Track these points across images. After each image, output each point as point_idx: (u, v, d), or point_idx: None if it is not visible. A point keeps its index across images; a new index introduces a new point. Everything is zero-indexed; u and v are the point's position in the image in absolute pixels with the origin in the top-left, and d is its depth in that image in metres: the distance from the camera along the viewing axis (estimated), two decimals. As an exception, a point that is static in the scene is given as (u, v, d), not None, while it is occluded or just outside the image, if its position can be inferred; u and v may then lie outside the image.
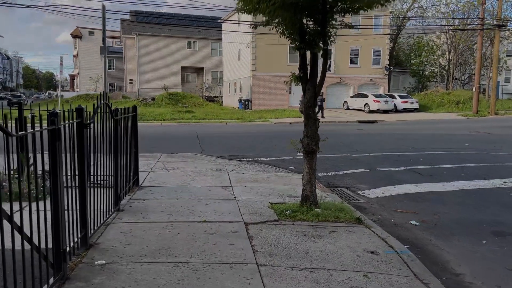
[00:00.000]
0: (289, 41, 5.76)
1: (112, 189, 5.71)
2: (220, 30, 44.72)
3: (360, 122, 27.46)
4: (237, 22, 35.44)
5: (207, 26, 51.36)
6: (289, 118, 29.03)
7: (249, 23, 33.28)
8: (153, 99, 37.86)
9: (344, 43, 36.67)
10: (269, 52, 34.75)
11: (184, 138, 16.86)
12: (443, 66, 45.73)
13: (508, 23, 33.75)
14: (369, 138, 16.84)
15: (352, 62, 38.06)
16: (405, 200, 7.54)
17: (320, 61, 5.88)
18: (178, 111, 31.04)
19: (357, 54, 38.09)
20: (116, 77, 61.99)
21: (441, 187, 8.38)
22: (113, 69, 63.10)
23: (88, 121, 4.26)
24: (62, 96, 59.99)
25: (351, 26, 5.80)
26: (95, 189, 4.77)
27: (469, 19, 41.20)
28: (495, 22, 31.75)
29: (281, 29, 5.67)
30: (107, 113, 5.42)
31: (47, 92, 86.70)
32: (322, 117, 30.83)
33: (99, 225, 4.83)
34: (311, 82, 5.75)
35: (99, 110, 4.81)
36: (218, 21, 43.25)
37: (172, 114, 29.02)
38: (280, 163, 11.30)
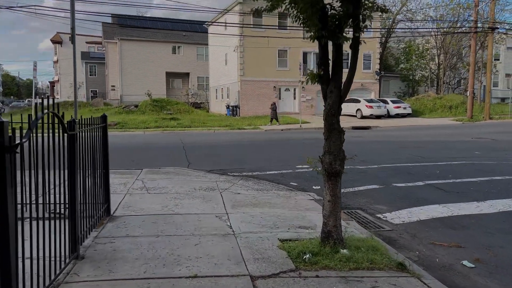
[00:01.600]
0: (304, 28, 4.34)
1: (68, 227, 4.20)
2: (206, 33, 43.28)
3: (354, 128, 26.24)
4: (224, 24, 34.15)
5: (193, 30, 49.87)
6: (279, 124, 27.66)
7: (237, 25, 32.03)
8: (136, 106, 36.10)
9: (334, 47, 35.62)
10: (258, 56, 33.44)
11: (168, 149, 15.30)
12: (433, 71, 45.12)
13: (500, 27, 33.15)
14: (371, 147, 15.54)
15: (343, 66, 36.97)
16: (440, 227, 6.16)
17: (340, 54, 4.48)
18: (163, 118, 29.39)
19: (348, 58, 37.01)
20: (98, 83, 59.95)
21: (476, 208, 7.04)
22: (95, 75, 61.10)
23: (12, 143, 2.72)
24: (40, 103, 57.62)
25: (385, 10, 4.42)
26: (41, 225, 3.26)
27: (459, 22, 40.67)
28: (487, 25, 31.06)
29: (295, 12, 4.25)
30: (59, 126, 3.91)
31: (26, 100, 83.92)
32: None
33: (41, 290, 3.30)
34: (334, 82, 4.34)
35: (39, 123, 3.29)
36: (204, 24, 41.85)
37: (156, 122, 27.37)
38: (279, 178, 9.87)
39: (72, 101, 45.87)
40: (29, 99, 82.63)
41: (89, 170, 5.12)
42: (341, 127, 4.57)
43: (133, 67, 46.82)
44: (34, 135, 3.28)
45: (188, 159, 12.62)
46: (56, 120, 3.79)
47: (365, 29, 4.24)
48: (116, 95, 49.47)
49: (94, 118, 5.46)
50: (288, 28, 33.46)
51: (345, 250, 4.46)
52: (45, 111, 3.61)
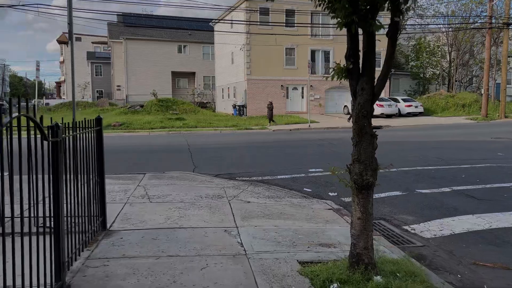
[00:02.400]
0: (329, 13, 3.64)
1: (52, 250, 3.55)
2: (212, 32, 42.67)
3: (365, 128, 25.44)
4: (230, 22, 33.49)
5: (198, 29, 49.30)
6: (287, 124, 26.97)
7: (243, 22, 31.36)
8: (142, 106, 35.55)
9: (343, 44, 34.76)
10: (265, 55, 32.74)
11: (173, 151, 14.65)
12: (444, 68, 44.09)
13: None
14: (386, 148, 14.75)
15: (351, 64, 36.13)
16: (479, 243, 5.43)
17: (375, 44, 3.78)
18: (168, 118, 28.78)
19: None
20: (104, 83, 59.64)
21: (516, 219, 6.29)
22: (101, 75, 60.80)
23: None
24: (46, 104, 57.40)
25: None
26: (18, 244, 2.60)
27: (471, 18, 39.63)
28: (502, 21, 30.06)
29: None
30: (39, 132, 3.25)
31: (33, 100, 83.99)
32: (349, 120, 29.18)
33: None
34: (366, 78, 3.64)
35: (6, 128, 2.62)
36: (210, 23, 41.20)
37: (162, 122, 26.77)
38: (291, 183, 9.17)
39: (79, 102, 45.62)
40: (35, 100, 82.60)
41: (81, 180, 4.47)
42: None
43: (138, 67, 46.34)
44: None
45: (193, 162, 11.96)
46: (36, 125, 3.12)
47: (408, 11, 3.52)
48: (121, 95, 49.05)
49: (87, 120, 4.80)
50: (295, 25, 32.76)
51: (378, 277, 3.75)
52: (20, 114, 2.95)
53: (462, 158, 12.22)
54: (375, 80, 3.67)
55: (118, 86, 51.05)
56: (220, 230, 5.35)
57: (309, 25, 33.19)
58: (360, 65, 3.70)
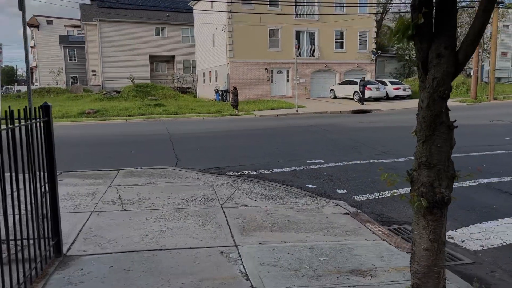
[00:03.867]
0: None
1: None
2: (192, 13, 40.65)
3: (354, 112, 24.41)
4: (210, 0, 31.66)
5: (177, 10, 47.10)
6: (273, 109, 25.67)
7: (225, 1, 29.66)
8: (118, 92, 33.67)
9: (328, 25, 33.53)
10: (248, 36, 31.13)
11: (153, 141, 13.19)
12: (429, 50, 43.33)
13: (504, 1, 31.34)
14: (384, 134, 13.68)
15: (337, 46, 34.88)
16: (544, 258, 4.31)
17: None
18: (147, 104, 27.09)
19: (343, 38, 34.92)
20: (78, 69, 56.86)
21: None
22: (75, 60, 57.98)
23: None
24: (17, 90, 54.49)
25: None
26: None
27: (458, -2, 38.75)
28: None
29: None
30: None
31: (4, 87, 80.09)
32: (362, 103, 27.79)
33: None
34: (444, 38, 2.36)
35: None
36: (189, 3, 39.21)
37: (140, 109, 25.09)
38: (290, 178, 7.93)
39: (51, 88, 43.18)
40: (7, 87, 79.00)
41: (24, 188, 3.12)
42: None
43: (114, 51, 44.02)
44: None
45: (176, 154, 10.57)
46: None
47: None
48: (97, 81, 46.73)
49: (28, 110, 3.41)
50: (279, 3, 31.18)
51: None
52: None
53: (470, 144, 11.19)
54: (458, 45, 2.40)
55: (93, 71, 48.61)
56: (215, 252, 4.06)
57: (294, 3, 31.65)
58: (433, 21, 2.41)
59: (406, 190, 6.48)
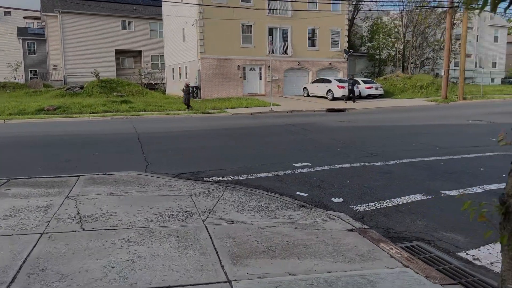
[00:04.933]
0: None
1: None
2: (160, 7, 39.08)
3: (329, 111, 23.91)
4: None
5: (145, 4, 45.36)
6: (247, 107, 24.78)
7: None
8: (82, 88, 31.77)
9: (301, 23, 32.96)
10: (220, 31, 30.07)
11: (119, 141, 11.99)
12: (399, 50, 43.68)
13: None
14: (366, 134, 13.06)
15: (310, 44, 34.37)
16: None
17: None
18: (112, 101, 25.54)
19: (316, 36, 34.44)
20: (39, 63, 53.83)
21: None
22: (35, 53, 54.84)
23: None
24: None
25: None
26: None
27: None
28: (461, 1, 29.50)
29: None
30: None
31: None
32: (354, 101, 27.57)
33: None
34: None
35: None
36: (157, -4, 37.63)
37: (105, 105, 23.55)
38: (277, 184, 7.07)
39: (7, 83, 40.33)
40: None
41: None
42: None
43: (77, 44, 41.74)
44: None
45: (145, 156, 9.47)
46: None
47: None
48: (59, 76, 44.20)
49: None
50: (252, -1, 30.28)
51: None
52: None
53: (457, 145, 10.73)
54: None
55: (55, 65, 45.98)
56: (204, 292, 3.12)
57: None
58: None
59: (407, 197, 5.82)
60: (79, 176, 7.14)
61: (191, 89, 30.85)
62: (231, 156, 9.51)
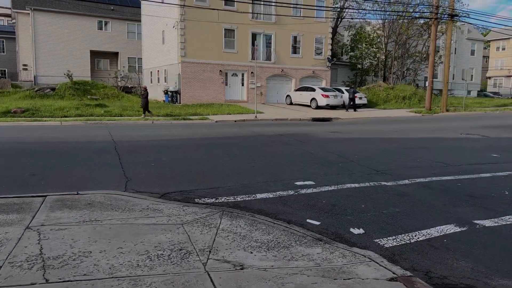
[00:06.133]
0: None
1: None
2: (139, 8, 37.71)
3: (314, 120, 23.18)
4: (162, -5, 29.14)
5: (123, 4, 43.79)
6: (230, 114, 23.75)
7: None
8: (53, 89, 29.97)
9: (285, 29, 32.27)
10: (201, 35, 29.00)
11: (94, 151, 10.72)
12: (380, 60, 43.66)
13: (459, 14, 31.78)
14: (364, 147, 12.23)
15: (293, 51, 33.69)
16: None
17: None
18: (86, 104, 24.01)
19: (299, 43, 33.81)
20: (8, 62, 51.15)
21: None
22: (3, 52, 52.10)
23: None
24: None
25: None
26: None
27: (409, 7, 39.26)
28: (447, 13, 29.54)
29: None
30: None
31: None
32: (355, 110, 27.81)
33: None
34: None
35: None
36: (136, -3, 36.25)
37: (78, 109, 22.03)
38: (281, 207, 6.09)
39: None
40: None
41: None
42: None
43: (50, 44, 39.73)
44: None
45: (124, 170, 8.29)
46: None
47: None
48: (29, 76, 41.96)
49: None
50: (235, 1, 29.33)
51: None
52: None
53: (465, 162, 10.01)
54: None
55: (25, 65, 43.68)
56: None
57: (250, 2, 29.92)
58: None
59: (438, 229, 4.89)
60: (45, 196, 5.94)
61: (171, 93, 29.59)
62: (222, 171, 8.45)
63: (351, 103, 28.02)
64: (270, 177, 7.91)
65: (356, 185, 7.42)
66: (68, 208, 5.43)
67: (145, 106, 21.39)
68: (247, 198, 6.53)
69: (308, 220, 5.58)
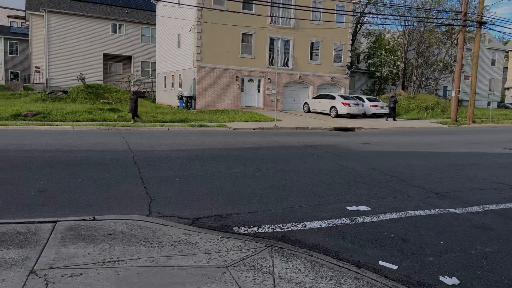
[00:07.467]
0: None
1: None
2: (153, 12, 37.02)
3: (337, 129, 22.02)
4: (177, 2, 28.35)
5: (137, 8, 43.22)
6: (247, 122, 22.68)
7: (193, 6, 26.54)
8: (65, 92, 29.24)
9: (304, 34, 31.28)
10: (218, 39, 28.10)
11: (110, 162, 9.67)
12: (400, 68, 42.41)
13: (488, 21, 30.49)
14: (407, 162, 11.02)
15: (311, 58, 32.63)
16: None
17: None
18: (99, 109, 23.14)
19: (318, 49, 32.75)
20: (21, 64, 50.92)
21: None
22: (17, 54, 51.90)
23: None
24: None
25: None
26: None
27: (431, 15, 38.04)
28: (475, 19, 28.30)
29: None
30: None
31: None
32: (394, 119, 27.32)
33: None
34: None
35: None
36: (152, 0, 35.56)
37: (90, 113, 21.13)
38: (342, 243, 4.95)
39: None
40: None
41: None
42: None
43: (63, 46, 39.19)
44: None
45: (146, 187, 7.21)
46: None
47: None
48: (41, 78, 41.46)
49: None
50: (254, 3, 28.38)
51: None
52: None
53: (526, 183, 8.79)
54: None
55: (37, 67, 43.20)
56: None
57: (269, 4, 28.98)
58: None
59: None
60: (55, 222, 4.88)
61: (185, 98, 28.65)
62: (256, 189, 7.34)
63: (393, 112, 27.53)
64: (315, 200, 6.78)
65: (421, 212, 6.26)
66: (83, 240, 4.36)
67: (134, 111, 20.23)
68: (295, 228, 5.41)
69: (380, 263, 4.44)
